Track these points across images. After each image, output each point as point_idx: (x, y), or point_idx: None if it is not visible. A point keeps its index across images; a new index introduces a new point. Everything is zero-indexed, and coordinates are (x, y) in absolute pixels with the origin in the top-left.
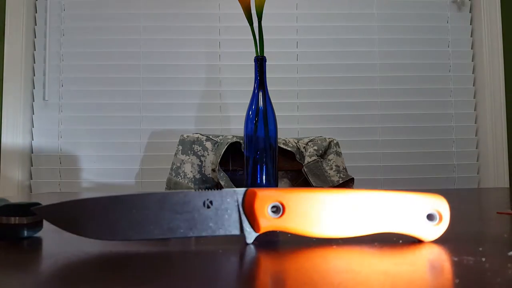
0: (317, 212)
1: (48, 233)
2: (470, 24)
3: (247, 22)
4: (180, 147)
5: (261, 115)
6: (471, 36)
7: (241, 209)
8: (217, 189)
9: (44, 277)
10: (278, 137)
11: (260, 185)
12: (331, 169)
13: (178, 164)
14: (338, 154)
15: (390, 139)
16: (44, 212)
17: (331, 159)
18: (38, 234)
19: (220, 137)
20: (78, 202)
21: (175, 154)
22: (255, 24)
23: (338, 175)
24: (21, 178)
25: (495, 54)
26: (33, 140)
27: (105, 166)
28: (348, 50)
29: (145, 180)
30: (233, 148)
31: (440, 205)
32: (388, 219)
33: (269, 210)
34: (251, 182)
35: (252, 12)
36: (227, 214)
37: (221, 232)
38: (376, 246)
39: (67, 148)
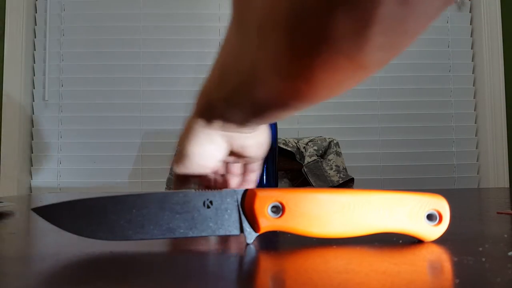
0: (317, 212)
1: (48, 233)
2: (470, 24)
3: None
4: None
5: None
6: (471, 36)
7: (241, 209)
8: (217, 189)
9: (44, 277)
10: (278, 137)
11: (260, 185)
12: (331, 169)
13: None
14: (338, 154)
15: (390, 139)
16: (44, 212)
17: (331, 159)
18: (38, 234)
19: None
20: (78, 202)
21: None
22: None
23: (338, 175)
24: (21, 178)
25: (495, 54)
26: (33, 140)
27: (105, 166)
28: None
29: (145, 180)
30: None
31: (440, 205)
32: (388, 219)
33: (269, 210)
34: None
35: None
36: (227, 214)
37: (221, 232)
38: (376, 246)
39: (67, 148)
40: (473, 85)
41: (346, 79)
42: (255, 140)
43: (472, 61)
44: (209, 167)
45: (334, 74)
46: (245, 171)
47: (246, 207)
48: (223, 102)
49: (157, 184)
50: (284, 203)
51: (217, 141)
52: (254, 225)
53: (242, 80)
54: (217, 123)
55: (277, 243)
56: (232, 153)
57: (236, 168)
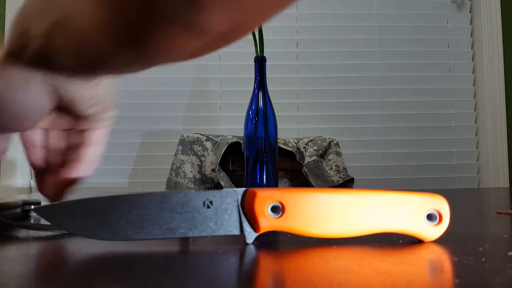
0: (317, 212)
1: (48, 233)
2: (470, 24)
3: None
4: (180, 147)
5: (261, 115)
6: (471, 36)
7: (241, 209)
8: (217, 189)
9: (44, 277)
10: (278, 137)
11: (260, 185)
12: (331, 169)
13: (178, 164)
14: (338, 154)
15: (390, 139)
16: (44, 212)
17: (331, 159)
18: (38, 234)
19: (220, 137)
20: (78, 202)
21: (175, 154)
22: None
23: (338, 175)
24: (21, 178)
25: (495, 54)
26: None
27: (105, 166)
28: (348, 50)
29: (145, 180)
30: (233, 148)
31: (440, 205)
32: (388, 219)
33: (269, 210)
34: (251, 182)
35: None
36: (227, 214)
37: (221, 232)
38: (376, 246)
39: None
40: (473, 85)
41: (184, 44)
42: (92, 91)
43: (472, 61)
44: (26, 123)
45: (168, 35)
46: (78, 141)
47: (246, 207)
48: (43, 39)
49: (157, 184)
50: (284, 203)
51: (36, 87)
52: (254, 225)
53: (65, 14)
54: (37, 66)
55: (277, 243)
56: (61, 109)
57: (64, 134)
